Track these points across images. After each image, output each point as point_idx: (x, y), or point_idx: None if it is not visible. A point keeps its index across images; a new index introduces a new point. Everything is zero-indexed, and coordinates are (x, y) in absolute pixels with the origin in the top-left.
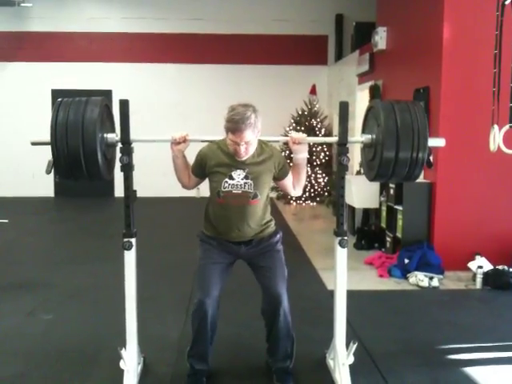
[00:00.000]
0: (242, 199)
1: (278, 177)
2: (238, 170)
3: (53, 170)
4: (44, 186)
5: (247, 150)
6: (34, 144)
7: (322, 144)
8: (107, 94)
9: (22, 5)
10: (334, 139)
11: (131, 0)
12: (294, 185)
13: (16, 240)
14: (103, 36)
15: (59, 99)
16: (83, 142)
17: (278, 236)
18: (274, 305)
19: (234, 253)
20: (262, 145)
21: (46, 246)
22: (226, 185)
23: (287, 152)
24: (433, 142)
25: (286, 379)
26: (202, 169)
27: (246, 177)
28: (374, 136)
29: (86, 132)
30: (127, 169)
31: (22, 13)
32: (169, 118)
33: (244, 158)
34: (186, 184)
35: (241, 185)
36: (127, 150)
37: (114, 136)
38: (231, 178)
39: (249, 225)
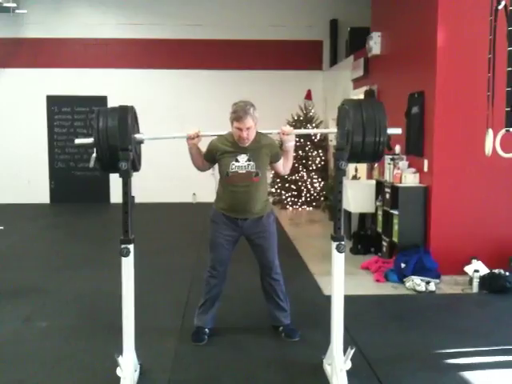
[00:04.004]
0: (247, 177)
1: (272, 160)
2: (242, 155)
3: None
4: (40, 192)
5: (249, 135)
6: (77, 145)
7: (317, 148)
8: (102, 100)
9: (17, 11)
10: (317, 131)
11: (127, 6)
12: (284, 166)
13: (12, 246)
14: (98, 42)
15: (96, 108)
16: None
17: (273, 217)
18: (268, 272)
19: (238, 229)
20: (260, 135)
21: (43, 252)
22: (233, 166)
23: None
24: (391, 130)
25: (293, 334)
26: (212, 156)
27: (248, 159)
28: (346, 127)
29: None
30: (126, 174)
31: (17, 19)
32: (165, 124)
33: (246, 145)
34: (200, 167)
35: (245, 166)
36: (126, 156)
37: (141, 135)
38: (237, 160)
39: (252, 201)
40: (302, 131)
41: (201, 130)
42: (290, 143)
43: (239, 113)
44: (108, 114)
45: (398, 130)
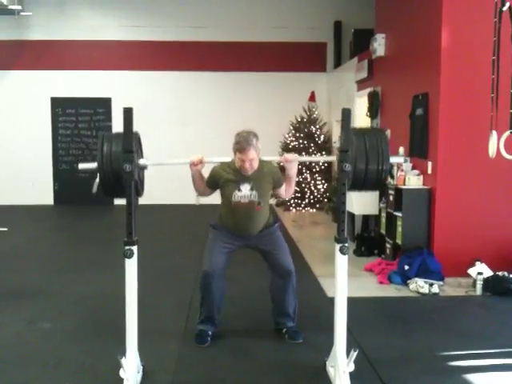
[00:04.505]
0: (249, 206)
1: (275, 186)
2: (245, 184)
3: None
4: (43, 193)
5: (251, 165)
6: (81, 170)
7: (321, 150)
8: (107, 102)
9: (22, 13)
10: (323, 158)
11: (130, 8)
12: (286, 191)
13: (16, 248)
14: (102, 44)
15: (102, 133)
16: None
17: (276, 225)
18: (286, 277)
19: (240, 239)
20: (263, 163)
21: (46, 254)
22: (236, 196)
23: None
24: (394, 159)
25: (296, 336)
26: (215, 183)
27: (251, 188)
28: (349, 152)
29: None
30: (129, 177)
31: (22, 21)
32: (168, 125)
33: (249, 174)
34: (201, 192)
35: (248, 195)
36: (129, 158)
37: (144, 161)
38: (240, 190)
39: (254, 225)
40: (306, 158)
41: (198, 134)
42: (293, 170)
43: (242, 144)
44: (112, 139)
45: (400, 159)
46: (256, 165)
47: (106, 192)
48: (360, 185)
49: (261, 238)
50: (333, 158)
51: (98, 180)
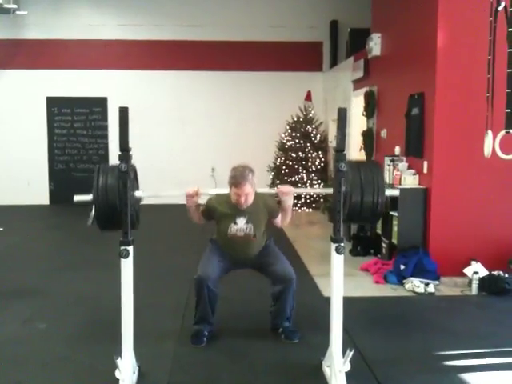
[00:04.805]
0: (245, 238)
1: (271, 217)
2: (241, 217)
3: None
4: (39, 193)
5: (247, 200)
6: (77, 202)
7: (317, 150)
8: (103, 102)
9: (17, 12)
10: (319, 190)
11: (127, 7)
12: (282, 220)
13: (11, 248)
14: (99, 43)
15: (98, 166)
16: (119, 199)
17: (268, 241)
18: (287, 284)
19: (238, 262)
20: (258, 195)
21: (42, 254)
22: (232, 229)
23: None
24: (389, 192)
25: (293, 336)
26: (210, 215)
27: (246, 222)
28: (344, 188)
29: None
30: (125, 176)
31: (17, 20)
32: (166, 125)
33: (244, 208)
34: (196, 222)
35: (243, 228)
36: (126, 157)
37: (140, 193)
38: (235, 223)
39: (250, 252)
40: (301, 190)
41: (196, 134)
42: (289, 202)
43: (238, 179)
44: (108, 171)
45: (395, 192)
46: (251, 200)
47: (102, 226)
48: (356, 217)
49: (257, 257)
50: (329, 190)
51: (93, 213)
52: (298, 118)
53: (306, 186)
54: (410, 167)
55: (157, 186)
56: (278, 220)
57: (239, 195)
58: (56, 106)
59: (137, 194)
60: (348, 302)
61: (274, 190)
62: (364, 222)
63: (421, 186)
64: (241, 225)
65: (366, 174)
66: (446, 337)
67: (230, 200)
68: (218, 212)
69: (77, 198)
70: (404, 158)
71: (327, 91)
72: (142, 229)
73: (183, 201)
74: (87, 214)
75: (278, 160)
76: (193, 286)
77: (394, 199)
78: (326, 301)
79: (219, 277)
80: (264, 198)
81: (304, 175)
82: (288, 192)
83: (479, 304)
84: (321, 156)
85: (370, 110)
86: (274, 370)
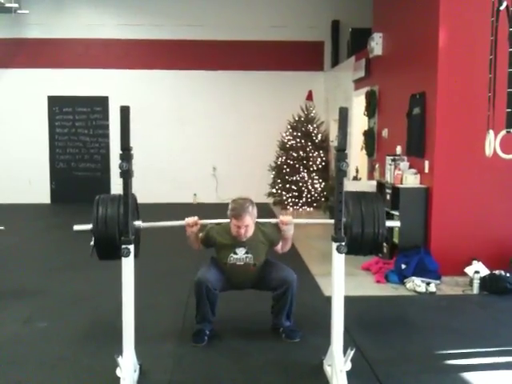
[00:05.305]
0: (245, 268)
1: (271, 245)
2: (241, 248)
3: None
4: (40, 192)
5: (247, 231)
6: (77, 232)
7: (318, 149)
8: (104, 101)
9: (19, 12)
10: (320, 221)
11: (128, 6)
12: (283, 247)
13: (12, 247)
14: (100, 42)
15: (97, 197)
16: (119, 229)
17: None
18: (288, 286)
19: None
20: (258, 226)
21: (43, 253)
22: (232, 258)
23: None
24: (390, 223)
25: (294, 335)
26: (209, 244)
27: (246, 252)
28: (344, 219)
29: (120, 222)
30: (126, 175)
31: (19, 20)
32: (166, 124)
33: (244, 240)
34: (195, 249)
35: (243, 258)
36: (127, 157)
37: (139, 223)
38: (235, 253)
39: (249, 279)
40: (302, 221)
41: (196, 133)
42: (290, 232)
43: (238, 211)
44: (108, 202)
45: (396, 223)
46: (251, 231)
47: (101, 255)
48: (356, 248)
49: (256, 276)
50: (330, 221)
51: (93, 242)
52: (300, 117)
53: (307, 186)
54: (411, 167)
55: (157, 185)
56: (279, 247)
57: (239, 227)
58: (57, 105)
59: (136, 223)
60: (349, 301)
61: (274, 220)
62: (366, 254)
63: (422, 186)
64: (240, 255)
65: (366, 206)
66: (447, 336)
67: (229, 230)
68: (217, 242)
69: (76, 227)
70: (405, 158)
71: (328, 91)
72: (142, 228)
73: (183, 200)
74: (88, 214)
75: (279, 159)
76: (193, 290)
77: (395, 197)
78: (327, 300)
79: (218, 283)
80: (264, 229)
81: (305, 174)
82: (289, 222)
83: (480, 303)
84: (322, 155)
85: (371, 109)
86: (274, 369)
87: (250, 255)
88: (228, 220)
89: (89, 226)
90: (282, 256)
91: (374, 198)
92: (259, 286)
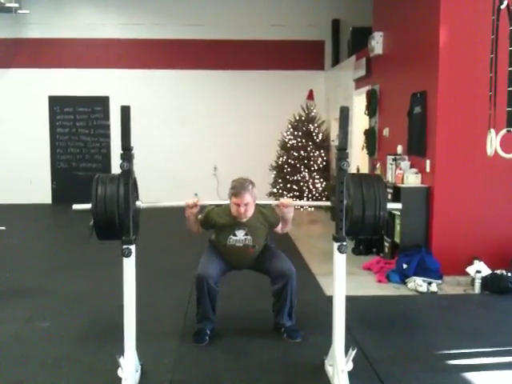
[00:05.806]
0: (244, 249)
1: (271, 227)
2: (240, 230)
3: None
4: (41, 192)
5: (247, 211)
6: (76, 211)
7: (319, 148)
8: (105, 101)
9: (19, 11)
10: (322, 203)
11: (128, 6)
12: (282, 228)
13: (13, 247)
14: (100, 42)
15: (96, 176)
16: (118, 209)
17: (266, 242)
18: (287, 280)
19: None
20: (258, 208)
21: (44, 253)
22: (231, 240)
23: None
24: (391, 205)
25: (295, 335)
26: (209, 226)
27: (246, 234)
28: (345, 201)
29: (120, 202)
30: (127, 175)
31: (19, 19)
32: (167, 124)
33: (244, 220)
34: (194, 232)
35: (242, 240)
36: (128, 156)
37: (139, 203)
38: (234, 235)
39: (248, 260)
40: (301, 203)
41: (196, 133)
42: (290, 214)
43: (238, 189)
44: (107, 181)
45: (398, 205)
46: (251, 211)
47: (100, 235)
48: (357, 231)
49: (255, 259)
50: (327, 203)
51: (92, 223)
52: (300, 116)
53: (308, 185)
54: (412, 166)
55: (157, 185)
56: (279, 228)
57: (239, 205)
58: (58, 104)
59: (136, 204)
60: (350, 301)
61: (274, 202)
62: (366, 236)
63: (423, 185)
64: (240, 236)
65: (367, 188)
66: (448, 335)
67: (229, 212)
68: (217, 223)
69: (75, 206)
70: (406, 157)
71: (329, 90)
72: (142, 227)
73: (183, 200)
74: (89, 213)
75: (280, 159)
76: (194, 285)
77: (396, 197)
78: (329, 300)
79: (219, 275)
80: (264, 211)
81: (306, 174)
82: (289, 204)
83: (482, 303)
84: (323, 155)
85: (372, 108)
86: (276, 368)
87: (249, 237)
88: (228, 202)
89: (88, 206)
90: (284, 254)
91: (375, 181)
92: (258, 268)
